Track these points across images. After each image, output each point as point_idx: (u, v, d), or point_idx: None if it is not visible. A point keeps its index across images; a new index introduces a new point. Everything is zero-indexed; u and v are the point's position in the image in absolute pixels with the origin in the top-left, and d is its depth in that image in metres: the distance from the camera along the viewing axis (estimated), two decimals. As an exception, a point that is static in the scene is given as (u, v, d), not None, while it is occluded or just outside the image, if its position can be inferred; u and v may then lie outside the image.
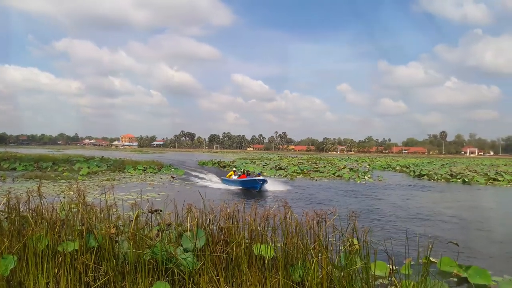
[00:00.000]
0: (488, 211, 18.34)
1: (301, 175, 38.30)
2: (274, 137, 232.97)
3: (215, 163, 53.76)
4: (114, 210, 5.98)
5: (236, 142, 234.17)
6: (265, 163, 53.99)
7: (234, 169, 32.64)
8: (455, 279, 7.04)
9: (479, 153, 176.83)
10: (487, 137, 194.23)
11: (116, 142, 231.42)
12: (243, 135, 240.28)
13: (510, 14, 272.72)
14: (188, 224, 5.62)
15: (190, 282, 4.96)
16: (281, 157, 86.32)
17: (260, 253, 5.22)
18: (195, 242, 5.19)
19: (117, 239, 5.47)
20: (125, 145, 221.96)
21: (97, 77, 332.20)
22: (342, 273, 4.83)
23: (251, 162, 55.71)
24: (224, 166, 48.82)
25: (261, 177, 24.69)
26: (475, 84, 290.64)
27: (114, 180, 27.86)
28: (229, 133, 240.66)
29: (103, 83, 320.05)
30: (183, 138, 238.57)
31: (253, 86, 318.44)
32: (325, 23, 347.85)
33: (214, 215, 5.91)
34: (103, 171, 35.85)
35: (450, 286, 6.44)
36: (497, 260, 9.59)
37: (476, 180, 34.44)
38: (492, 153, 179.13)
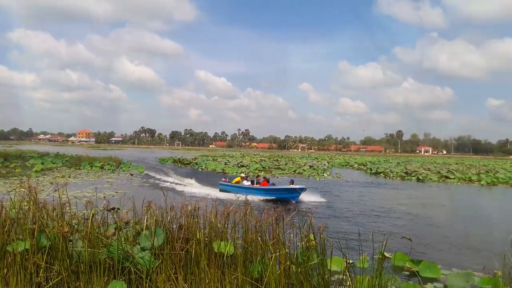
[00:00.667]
0: (439, 208, 19.24)
1: (262, 172, 38.53)
2: (237, 135, 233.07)
3: (176, 161, 53.06)
4: (68, 208, 5.80)
5: (198, 139, 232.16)
6: (227, 160, 53.89)
7: (242, 174, 25.05)
8: (407, 273, 7.34)
9: (433, 152, 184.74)
10: (441, 137, 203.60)
11: (72, 138, 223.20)
12: (206, 132, 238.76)
13: (463, 20, 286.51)
14: (147, 222, 5.53)
15: (147, 281, 4.89)
16: (243, 154, 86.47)
17: (220, 250, 5.22)
18: (153, 240, 5.12)
19: (71, 238, 5.30)
20: (82, 141, 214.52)
21: (53, 70, 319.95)
22: (300, 269, 4.92)
23: (213, 159, 55.42)
24: (186, 164, 48.33)
25: (301, 186, 19.56)
26: (431, 86, 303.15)
27: (69, 177, 26.91)
28: (191, 130, 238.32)
29: (60, 76, 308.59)
30: (143, 134, 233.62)
31: (216, 83, 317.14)
32: (288, 23, 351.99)
33: (175, 213, 5.86)
34: (58, 168, 34.55)
35: (403, 280, 6.69)
36: (447, 254, 10.08)
37: (430, 178, 35.98)
38: (445, 152, 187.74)
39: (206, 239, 5.51)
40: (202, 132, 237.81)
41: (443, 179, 36.17)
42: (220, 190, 21.11)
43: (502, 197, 26.15)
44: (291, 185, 19.44)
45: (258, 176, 22.74)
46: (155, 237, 5.15)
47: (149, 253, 5.02)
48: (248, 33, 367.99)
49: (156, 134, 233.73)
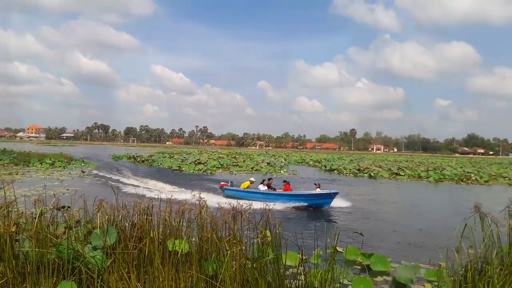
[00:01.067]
0: (390, 204, 20.00)
1: (220, 169, 38.46)
2: (195, 131, 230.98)
3: (131, 157, 51.75)
4: (15, 207, 5.52)
5: (154, 136, 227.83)
6: (184, 157, 53.26)
7: (252, 178, 20.66)
8: (359, 267, 7.60)
9: (385, 150, 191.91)
10: (392, 135, 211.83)
11: (21, 134, 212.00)
12: (162, 129, 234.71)
13: (415, 23, 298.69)
14: (99, 221, 5.38)
15: (99, 281, 4.76)
16: (201, 151, 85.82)
17: (175, 249, 5.17)
18: (105, 239, 4.99)
19: (17, 237, 5.06)
20: (31, 136, 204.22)
21: (0, 62, 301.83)
22: (255, 265, 4.97)
23: (170, 156, 54.59)
24: (142, 161, 47.26)
25: (334, 190, 17.59)
26: (383, 86, 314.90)
27: (17, 174, 25.58)
28: (147, 126, 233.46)
29: (8, 69, 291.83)
30: (96, 130, 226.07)
31: (173, 79, 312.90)
32: (246, 21, 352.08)
33: (127, 211, 5.73)
34: (5, 165, 32.76)
35: (354, 273, 6.92)
36: (396, 248, 10.51)
37: (381, 175, 37.33)
38: (395, 150, 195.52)
39: (160, 237, 5.44)
40: (158, 128, 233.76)
41: (393, 176, 37.64)
42: (226, 196, 17.98)
43: (448, 193, 27.58)
44: (318, 189, 17.97)
45: (270, 179, 19.70)
46: (107, 236, 5.02)
47: (101, 252, 4.89)
48: (206, 29, 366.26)
49: (110, 130, 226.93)
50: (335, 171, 41.75)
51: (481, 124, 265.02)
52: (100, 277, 4.79)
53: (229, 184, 19.57)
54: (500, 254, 5.88)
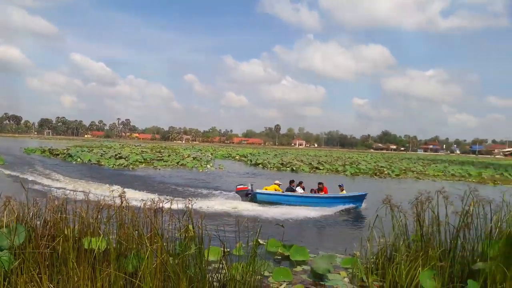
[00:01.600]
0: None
1: (143, 164, 37.27)
2: (116, 124, 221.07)
3: (45, 151, 48.20)
4: None
5: (72, 128, 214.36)
6: (104, 151, 50.77)
7: (277, 181, 17.65)
8: (280, 258, 7.85)
9: (306, 145, 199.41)
10: (313, 131, 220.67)
11: None
12: (81, 121, 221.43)
13: (336, 24, 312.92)
14: (5, 220, 4.97)
15: (6, 284, 4.42)
16: (123, 145, 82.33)
17: (91, 247, 4.96)
18: (13, 239, 4.63)
19: None
20: None
21: None
22: (177, 260, 4.93)
23: (89, 150, 51.74)
24: (57, 155, 44.26)
25: (363, 192, 17.31)
26: (306, 84, 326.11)
27: None
28: (64, 118, 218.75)
29: None
30: (7, 121, 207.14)
31: (94, 68, 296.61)
32: (174, 12, 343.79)
33: (39, 208, 5.37)
34: None
35: (275, 265, 7.14)
36: (316, 239, 11.03)
37: (302, 169, 38.79)
38: (316, 145, 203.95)
39: (76, 235, 5.18)
40: (76, 120, 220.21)
41: (314, 169, 39.31)
42: (258, 201, 16.00)
43: (362, 186, 29.40)
44: (343, 191, 17.16)
45: (292, 181, 17.65)
46: (15, 235, 4.66)
47: (8, 253, 4.54)
48: (130, 18, 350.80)
49: (22, 122, 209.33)
50: (260, 165, 42.57)
51: (394, 122, 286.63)
52: (7, 279, 4.45)
53: (250, 188, 17.26)
54: (407, 242, 6.44)
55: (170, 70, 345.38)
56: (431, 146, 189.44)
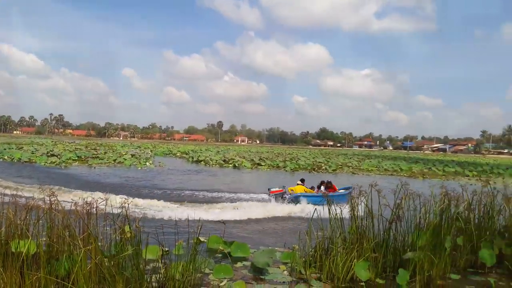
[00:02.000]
0: (253, 189, 20.87)
1: (77, 162, 35.51)
2: (49, 120, 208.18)
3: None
4: None
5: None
6: (35, 148, 47.74)
7: (299, 182, 17.86)
8: (220, 255, 7.83)
9: (248, 142, 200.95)
10: (255, 128, 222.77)
11: None
12: (9, 116, 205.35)
13: (277, 22, 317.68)
14: None
15: None
16: (55, 142, 77.86)
17: (19, 250, 4.64)
18: None
19: None
20: None
21: None
22: (112, 262, 4.76)
23: (18, 147, 48.36)
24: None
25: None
26: (248, 81, 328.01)
27: None
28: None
29: None
30: None
31: (24, 60, 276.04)
32: (112, 3, 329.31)
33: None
34: None
35: (216, 262, 7.11)
36: (257, 235, 11.13)
37: (244, 165, 39.03)
38: (258, 141, 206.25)
39: (3, 238, 4.83)
40: (4, 116, 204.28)
41: (255, 166, 39.73)
42: (311, 203, 14.63)
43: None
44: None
45: (322, 182, 17.76)
46: None
47: None
48: (64, 8, 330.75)
49: None
50: (202, 162, 42.22)
51: (331, 119, 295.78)
52: None
53: (285, 190, 17.30)
54: (343, 235, 6.71)
55: (107, 64, 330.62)
56: (365, 142, 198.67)
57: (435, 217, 6.80)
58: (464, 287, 6.10)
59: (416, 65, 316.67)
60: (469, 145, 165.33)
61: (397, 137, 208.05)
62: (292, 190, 17.11)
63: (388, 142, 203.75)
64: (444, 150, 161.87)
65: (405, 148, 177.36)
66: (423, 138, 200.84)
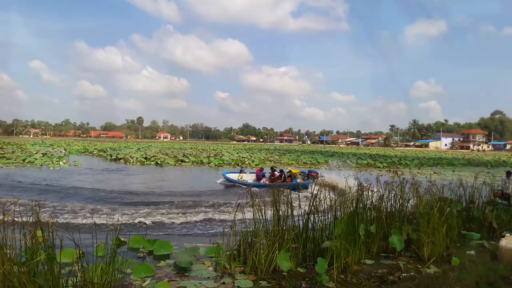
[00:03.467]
0: (174, 188, 20.60)
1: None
2: None
3: None
4: None
5: None
6: None
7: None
8: (142, 254, 7.63)
9: (171, 138, 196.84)
10: (178, 124, 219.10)
11: None
12: None
13: (195, 17, 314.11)
14: None
15: None
16: (-49, 141, 69.85)
17: None
18: None
19: None
20: None
21: None
22: (23, 269, 4.43)
23: None
24: None
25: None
26: (168, 76, 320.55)
27: None
28: None
29: None
30: None
31: None
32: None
33: None
34: None
35: (139, 262, 6.91)
36: (182, 233, 11.02)
37: (167, 162, 38.24)
38: (181, 138, 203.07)
39: None
40: None
41: (179, 162, 39.11)
42: None
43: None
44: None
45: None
46: None
47: None
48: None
49: None
50: (122, 160, 40.51)
51: (253, 115, 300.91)
52: None
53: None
54: (265, 228, 6.89)
55: (11, 56, 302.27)
56: (286, 137, 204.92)
57: (349, 207, 7.27)
58: (377, 271, 6.59)
59: (329, 63, 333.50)
60: (380, 138, 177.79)
61: (314, 132, 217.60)
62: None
63: (306, 137, 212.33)
64: (357, 144, 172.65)
65: (321, 142, 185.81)
66: (338, 132, 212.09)
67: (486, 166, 47.48)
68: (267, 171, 23.09)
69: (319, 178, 17.98)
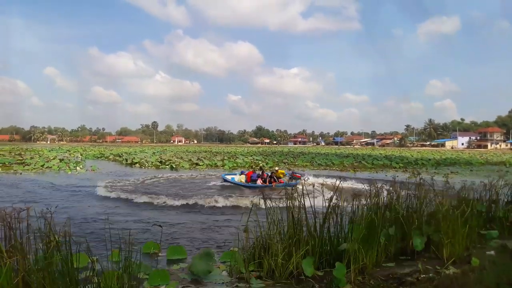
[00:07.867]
0: (186, 189, 20.63)
1: (1, 168, 32.89)
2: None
3: None
4: None
5: None
6: None
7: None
8: (157, 259, 7.64)
9: (186, 142, 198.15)
10: (192, 128, 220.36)
11: None
12: None
13: (205, 21, 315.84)
14: None
15: None
16: (-29, 149, 71.47)
17: None
18: None
19: None
20: None
21: None
22: (42, 273, 4.46)
23: None
24: None
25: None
26: (180, 80, 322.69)
27: None
28: None
29: None
30: None
31: None
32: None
33: None
34: None
35: (153, 266, 6.89)
36: (196, 237, 10.99)
37: (182, 166, 38.42)
38: (195, 141, 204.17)
39: None
40: None
41: (194, 166, 39.27)
42: None
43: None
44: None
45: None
46: None
47: None
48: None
49: None
50: (137, 164, 40.90)
51: (266, 117, 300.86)
52: None
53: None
54: (279, 230, 6.81)
55: (26, 63, 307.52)
56: (299, 139, 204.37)
57: (368, 211, 7.14)
58: (395, 272, 6.46)
59: (341, 64, 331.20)
60: (395, 138, 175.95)
61: (328, 133, 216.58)
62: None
63: (320, 138, 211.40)
64: (372, 144, 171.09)
65: (336, 143, 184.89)
66: (352, 133, 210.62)
67: (504, 165, 46.49)
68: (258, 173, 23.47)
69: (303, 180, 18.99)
